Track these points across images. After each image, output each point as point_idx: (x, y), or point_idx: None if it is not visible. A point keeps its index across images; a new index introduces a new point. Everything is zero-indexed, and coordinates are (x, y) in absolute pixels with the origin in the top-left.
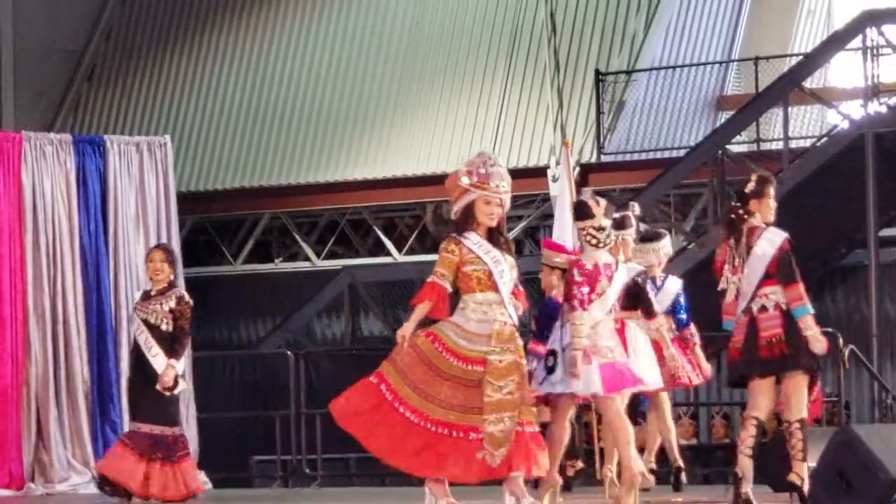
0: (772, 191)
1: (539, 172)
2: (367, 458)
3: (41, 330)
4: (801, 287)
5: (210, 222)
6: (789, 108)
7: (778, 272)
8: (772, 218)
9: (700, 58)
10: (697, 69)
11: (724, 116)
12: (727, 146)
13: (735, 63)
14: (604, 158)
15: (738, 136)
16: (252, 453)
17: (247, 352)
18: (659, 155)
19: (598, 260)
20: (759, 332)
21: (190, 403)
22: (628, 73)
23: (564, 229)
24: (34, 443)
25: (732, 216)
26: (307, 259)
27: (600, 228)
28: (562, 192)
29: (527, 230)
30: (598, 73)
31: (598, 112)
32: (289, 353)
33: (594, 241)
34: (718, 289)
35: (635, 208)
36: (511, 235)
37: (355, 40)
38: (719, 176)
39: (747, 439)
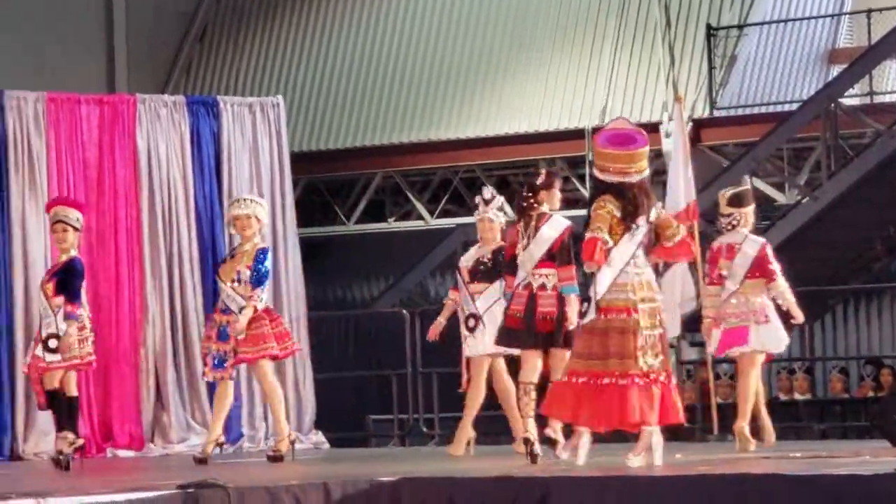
0: (558, 184)
1: (651, 128)
2: (483, 417)
3: (158, 292)
4: (572, 269)
5: (323, 182)
6: None
7: (558, 254)
8: (557, 206)
9: (812, 11)
10: (809, 22)
11: (836, 70)
12: (840, 99)
13: (847, 15)
14: (716, 113)
15: (850, 90)
16: (368, 413)
17: (362, 311)
18: (771, 109)
19: (725, 241)
20: (536, 307)
21: (306, 364)
22: (740, 27)
23: (678, 184)
24: (153, 404)
25: (524, 204)
26: (420, 218)
27: (725, 215)
28: (675, 148)
29: None
30: (709, 27)
31: (710, 67)
32: (404, 311)
33: (721, 226)
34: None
35: (746, 181)
36: None
37: None
38: (832, 130)
39: (530, 403)
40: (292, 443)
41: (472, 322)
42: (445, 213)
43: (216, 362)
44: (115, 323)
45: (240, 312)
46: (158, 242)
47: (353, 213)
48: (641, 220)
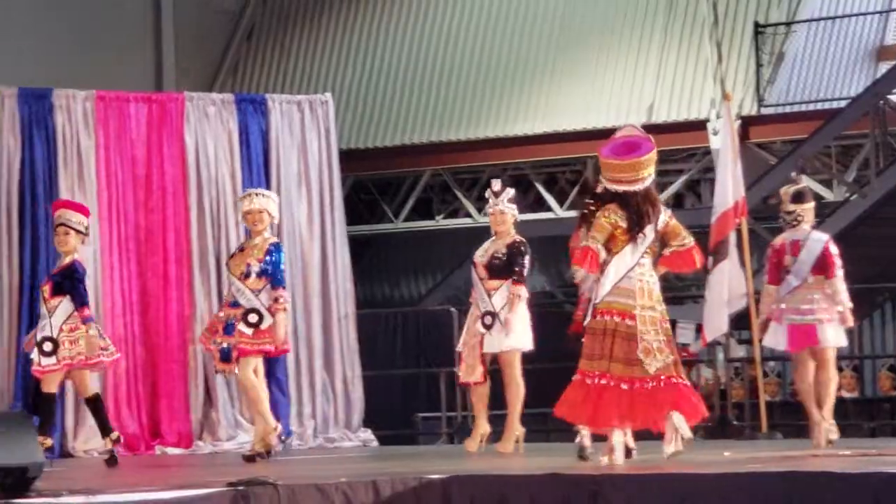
0: None
1: (699, 126)
2: (531, 414)
3: (206, 290)
4: None
5: (371, 180)
6: None
7: None
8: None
9: (860, 7)
10: (857, 19)
11: (885, 66)
12: (888, 96)
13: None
14: (764, 111)
15: None
16: (416, 410)
17: (410, 309)
18: (819, 106)
19: (789, 238)
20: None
21: (355, 362)
22: (788, 24)
23: (726, 181)
24: (202, 401)
25: (585, 211)
26: (468, 215)
27: (789, 212)
28: (723, 146)
29: (688, 184)
30: (757, 25)
31: (758, 64)
32: (452, 309)
33: (784, 222)
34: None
35: (801, 179)
36: (672, 189)
37: None
38: (881, 126)
39: None
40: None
41: (488, 320)
42: None
43: (222, 356)
44: (164, 321)
45: (248, 308)
46: (207, 240)
47: (401, 210)
48: (648, 230)
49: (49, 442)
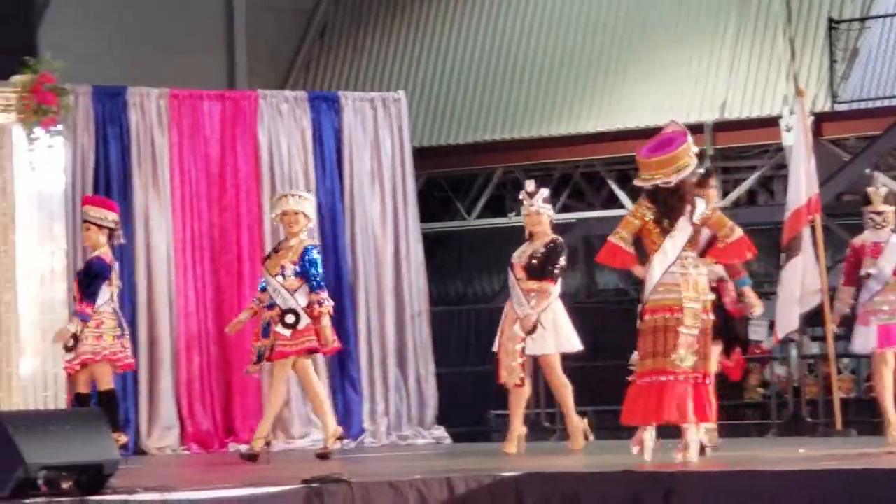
0: (713, 181)
1: (772, 122)
2: (605, 412)
3: None
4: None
5: (444, 177)
6: None
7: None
8: (715, 203)
9: None
10: None
11: None
12: None
13: None
14: (837, 107)
15: None
16: (489, 408)
17: (483, 306)
18: (893, 102)
19: (870, 239)
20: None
21: (428, 359)
22: (862, 20)
23: (800, 178)
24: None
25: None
26: None
27: (878, 212)
28: (796, 142)
29: (761, 180)
30: (831, 21)
31: (832, 61)
32: None
33: (871, 223)
34: None
35: (877, 176)
36: (745, 186)
37: None
38: None
39: None
40: (268, 444)
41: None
42: (566, 208)
43: (258, 357)
44: None
45: (285, 308)
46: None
47: (473, 207)
48: (681, 223)
49: (123, 439)
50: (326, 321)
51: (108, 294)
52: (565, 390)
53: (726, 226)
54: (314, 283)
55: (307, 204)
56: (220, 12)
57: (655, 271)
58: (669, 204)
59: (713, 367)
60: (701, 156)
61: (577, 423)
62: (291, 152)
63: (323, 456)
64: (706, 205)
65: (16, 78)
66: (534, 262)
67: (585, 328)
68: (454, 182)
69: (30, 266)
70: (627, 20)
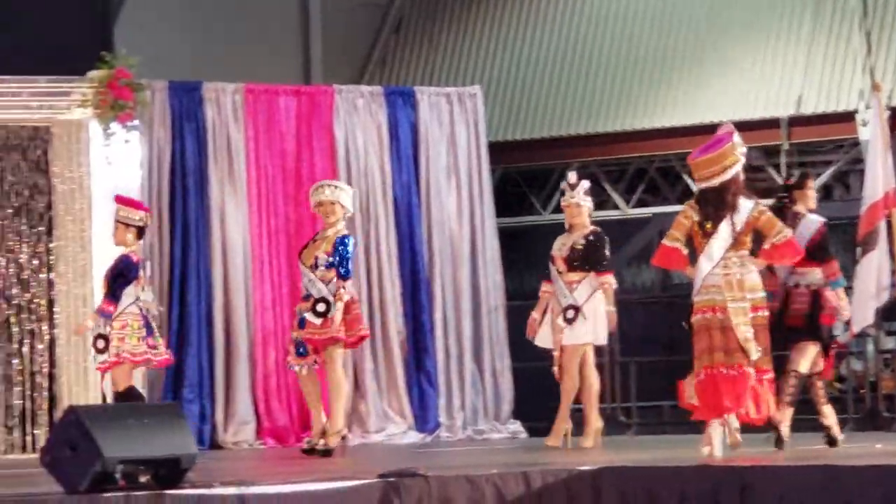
0: (810, 183)
1: (847, 117)
2: (673, 406)
3: (355, 282)
4: (835, 264)
5: (519, 172)
6: None
7: (815, 252)
8: (812, 205)
9: None
10: None
11: None
12: None
13: None
14: None
15: None
16: None
17: None
18: None
19: None
20: (790, 304)
21: (504, 353)
22: None
23: (876, 173)
24: (351, 393)
25: (779, 205)
26: (616, 207)
27: None
28: (873, 137)
29: (836, 175)
30: None
31: None
32: None
33: None
34: None
35: None
36: (821, 181)
37: None
38: None
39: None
40: (343, 438)
41: (571, 313)
42: (641, 203)
43: (298, 350)
44: None
45: (317, 297)
46: (356, 232)
47: (549, 202)
48: (723, 225)
49: None
50: (339, 306)
51: (134, 294)
52: (572, 382)
53: (776, 227)
54: (341, 270)
55: (344, 195)
56: (296, 7)
57: (700, 273)
58: (713, 205)
59: (806, 366)
60: (777, 151)
61: (566, 422)
62: (367, 147)
63: (326, 453)
64: (753, 205)
65: (92, 73)
66: (575, 253)
67: (660, 323)
68: (529, 177)
69: (106, 260)
70: (702, 15)
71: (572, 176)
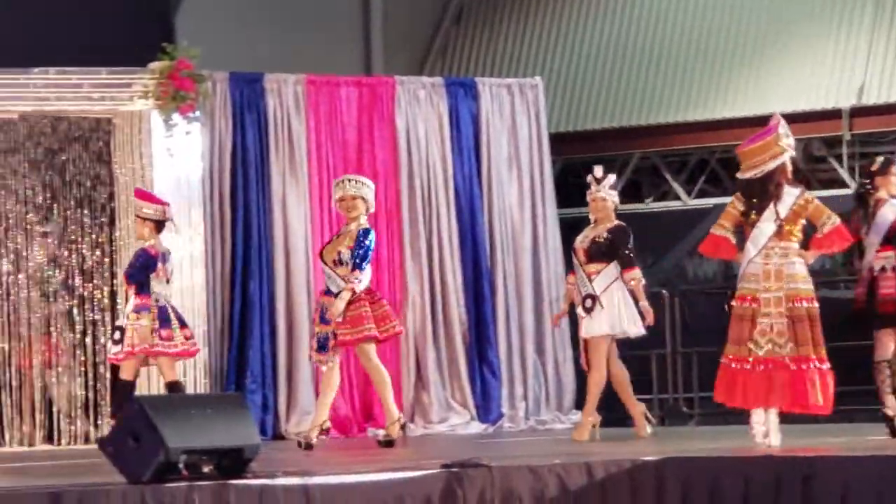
0: (894, 169)
1: None
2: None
3: (418, 272)
4: None
5: (580, 163)
6: None
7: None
8: (895, 191)
9: None
10: None
11: None
12: None
13: None
14: None
15: None
16: None
17: None
18: None
19: None
20: (878, 289)
21: (566, 345)
22: None
23: None
24: (413, 384)
25: (861, 191)
26: (678, 198)
27: None
28: None
29: None
30: None
31: None
32: (663, 291)
33: None
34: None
35: None
36: None
37: None
38: None
39: (884, 380)
40: (402, 426)
41: (589, 303)
42: (703, 194)
43: (319, 345)
44: None
45: (338, 295)
46: (418, 223)
47: None
48: (766, 214)
49: None
50: (344, 295)
51: (152, 286)
52: (599, 376)
53: (824, 214)
54: (355, 261)
55: (366, 189)
56: None
57: (745, 260)
58: (757, 194)
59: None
60: (839, 142)
61: (593, 415)
62: (429, 138)
63: (388, 443)
64: (799, 193)
65: (153, 65)
66: (596, 245)
67: (723, 313)
68: (590, 168)
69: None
70: (763, 5)
71: (598, 169)
